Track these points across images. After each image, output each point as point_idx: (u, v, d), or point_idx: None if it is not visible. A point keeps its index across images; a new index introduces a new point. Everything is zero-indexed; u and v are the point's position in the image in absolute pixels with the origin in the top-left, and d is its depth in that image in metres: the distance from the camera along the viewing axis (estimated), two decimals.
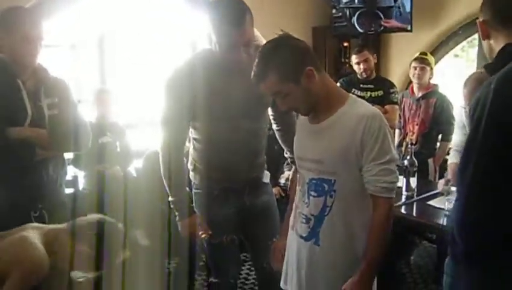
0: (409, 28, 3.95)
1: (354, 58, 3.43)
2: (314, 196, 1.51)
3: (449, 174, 2.76)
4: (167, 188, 1.93)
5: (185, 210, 1.93)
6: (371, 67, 3.41)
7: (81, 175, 2.96)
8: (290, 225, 1.65)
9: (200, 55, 1.89)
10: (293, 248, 1.62)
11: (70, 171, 2.78)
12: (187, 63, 1.85)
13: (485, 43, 1.38)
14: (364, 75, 3.39)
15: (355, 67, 3.38)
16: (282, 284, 1.70)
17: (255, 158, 2.00)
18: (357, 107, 1.48)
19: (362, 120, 1.43)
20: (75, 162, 2.92)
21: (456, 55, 5.31)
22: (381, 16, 4.03)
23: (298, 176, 1.64)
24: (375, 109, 1.51)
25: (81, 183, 2.99)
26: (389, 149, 1.44)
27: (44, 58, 2.07)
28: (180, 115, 1.84)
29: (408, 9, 3.94)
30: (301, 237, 1.56)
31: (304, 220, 1.54)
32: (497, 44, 1.32)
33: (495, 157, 1.15)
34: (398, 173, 1.49)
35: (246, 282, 3.12)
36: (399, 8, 4.00)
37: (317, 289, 1.56)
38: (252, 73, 1.46)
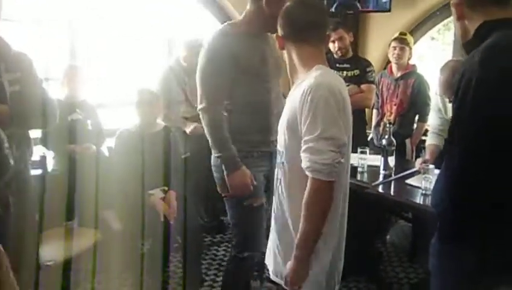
0: (387, 7, 3.90)
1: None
2: (275, 168, 1.59)
3: (427, 154, 2.76)
4: (215, 145, 1.99)
5: (238, 160, 1.98)
6: (346, 46, 3.34)
7: (50, 155, 2.83)
8: None
9: (228, 26, 2.02)
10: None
11: (39, 151, 2.66)
12: (222, 34, 1.97)
13: (458, 24, 1.38)
14: (339, 54, 3.33)
15: (330, 45, 3.32)
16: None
17: (277, 121, 2.01)
18: (313, 75, 1.43)
19: (304, 90, 1.40)
20: (44, 141, 2.78)
21: (433, 38, 5.32)
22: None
23: None
24: (324, 79, 1.42)
25: (51, 164, 2.86)
26: (321, 124, 1.36)
27: (7, 33, 1.96)
28: (222, 83, 1.96)
29: None
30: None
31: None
32: (472, 24, 1.33)
33: (482, 130, 1.17)
34: (333, 152, 1.35)
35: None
36: None
37: (277, 258, 1.60)
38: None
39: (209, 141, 2.02)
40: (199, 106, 2.01)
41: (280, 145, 1.53)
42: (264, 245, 1.85)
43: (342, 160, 1.39)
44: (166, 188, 2.66)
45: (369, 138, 3.59)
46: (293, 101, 1.46)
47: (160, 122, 2.87)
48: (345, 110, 1.48)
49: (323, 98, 1.37)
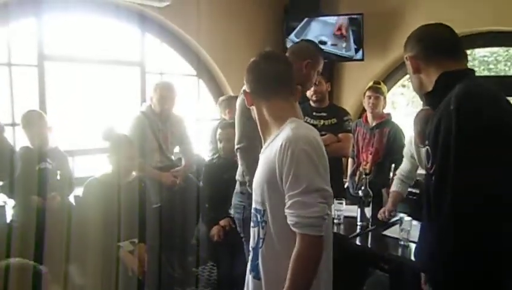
0: (360, 57, 4.00)
1: None
2: (252, 227, 1.48)
3: (389, 203, 2.75)
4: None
5: None
6: (323, 91, 3.32)
7: (10, 205, 2.67)
8: None
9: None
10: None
11: None
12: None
13: (414, 77, 1.45)
14: (315, 98, 3.31)
15: (309, 93, 3.33)
16: None
17: None
18: (288, 129, 1.38)
19: (282, 144, 1.33)
20: (6, 189, 2.64)
21: (404, 85, 5.47)
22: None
23: None
24: (300, 132, 1.37)
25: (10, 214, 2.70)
26: (306, 178, 1.30)
27: None
28: None
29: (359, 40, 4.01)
30: (249, 270, 1.51)
31: (249, 253, 1.52)
32: (428, 76, 1.40)
33: (472, 179, 1.16)
34: (322, 204, 1.31)
35: None
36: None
37: None
38: None
39: (247, 176, 2.15)
40: (239, 145, 2.20)
41: (258, 204, 1.45)
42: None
43: (329, 211, 1.35)
44: (135, 240, 2.52)
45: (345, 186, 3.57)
46: (269, 156, 1.40)
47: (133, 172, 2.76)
48: (325, 161, 1.42)
49: (303, 151, 1.32)
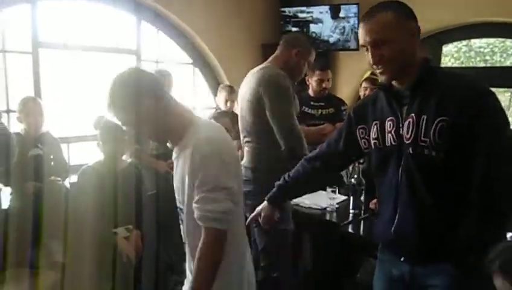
0: (356, 46, 4.01)
1: (317, 75, 3.33)
2: (180, 224, 1.56)
3: None
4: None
5: None
6: (329, 87, 3.39)
7: (6, 191, 2.69)
8: None
9: (276, 68, 2.36)
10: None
11: None
12: (284, 76, 2.30)
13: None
14: (322, 93, 3.34)
15: (315, 83, 3.32)
16: None
17: None
18: (194, 133, 1.43)
19: (192, 149, 1.38)
20: (3, 177, 2.64)
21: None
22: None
23: None
24: (202, 136, 1.41)
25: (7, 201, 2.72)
26: (215, 177, 1.36)
27: None
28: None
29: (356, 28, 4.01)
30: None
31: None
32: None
33: None
34: (226, 201, 1.37)
35: None
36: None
37: None
38: None
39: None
40: (289, 145, 2.25)
41: (179, 202, 1.52)
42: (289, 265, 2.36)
43: (234, 208, 1.41)
44: (130, 227, 2.54)
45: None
46: (182, 163, 1.43)
47: (126, 158, 2.77)
48: (233, 156, 1.47)
49: (210, 153, 1.37)
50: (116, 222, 2.47)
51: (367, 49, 1.44)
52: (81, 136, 3.60)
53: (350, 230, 2.51)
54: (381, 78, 1.47)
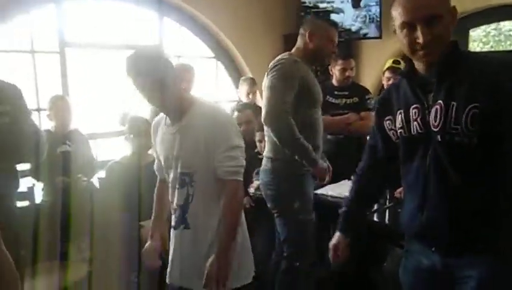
0: (378, 34, 3.96)
1: (340, 64, 3.29)
2: (178, 188, 1.74)
3: None
4: (294, 147, 2.24)
5: (314, 155, 2.28)
6: (353, 76, 3.37)
7: (38, 187, 2.79)
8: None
9: (292, 55, 2.36)
10: (172, 240, 1.83)
11: (27, 183, 2.62)
12: (293, 62, 2.28)
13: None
14: (346, 82, 3.33)
15: (338, 73, 3.30)
16: (167, 280, 1.85)
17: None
18: (202, 109, 1.70)
19: (206, 120, 1.66)
20: (33, 173, 2.75)
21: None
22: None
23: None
24: (211, 109, 1.72)
25: (40, 195, 2.82)
26: (232, 138, 1.67)
27: None
28: (290, 102, 2.22)
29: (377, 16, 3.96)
30: (174, 227, 1.80)
31: (174, 211, 1.79)
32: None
33: None
34: (242, 158, 1.69)
35: None
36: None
37: (189, 267, 1.76)
38: None
39: (286, 148, 2.26)
40: (266, 119, 2.24)
41: (186, 168, 1.71)
42: (313, 256, 2.38)
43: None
44: None
45: None
46: (192, 131, 1.68)
47: (152, 152, 2.83)
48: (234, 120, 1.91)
49: (224, 118, 1.71)
50: (141, 215, 2.53)
51: (410, 28, 1.31)
52: (108, 133, 3.69)
53: (375, 219, 2.50)
54: (424, 61, 1.35)
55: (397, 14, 1.35)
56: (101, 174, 2.97)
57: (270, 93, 2.24)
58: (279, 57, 2.40)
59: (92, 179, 3.01)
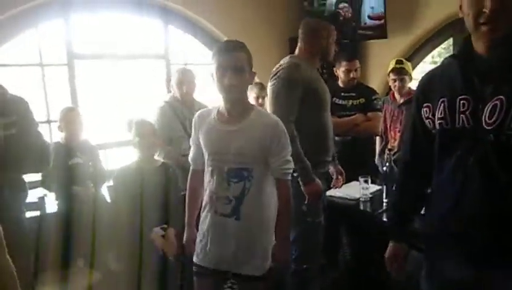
0: (384, 34, 3.94)
1: (344, 65, 3.33)
2: (235, 182, 1.86)
3: None
4: (296, 160, 2.20)
5: (311, 173, 2.32)
6: (358, 77, 3.36)
7: (50, 197, 2.82)
8: (205, 209, 1.97)
9: (294, 58, 2.43)
10: (212, 226, 1.93)
11: (38, 193, 2.66)
12: (295, 66, 2.35)
13: None
14: (351, 84, 3.32)
15: (343, 74, 3.31)
16: (198, 261, 1.97)
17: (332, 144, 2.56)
18: (263, 116, 1.91)
19: (269, 127, 1.86)
20: (44, 183, 2.79)
21: (435, 62, 5.30)
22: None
23: (209, 169, 1.94)
24: (274, 117, 1.93)
25: (52, 206, 2.86)
26: (287, 146, 1.90)
27: (5, 77, 1.99)
28: (296, 109, 2.31)
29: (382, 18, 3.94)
30: (224, 215, 1.89)
31: (227, 201, 1.88)
32: None
33: None
34: (291, 162, 1.92)
35: None
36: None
37: (237, 253, 1.89)
38: None
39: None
40: None
41: (246, 164, 1.86)
42: (321, 258, 2.44)
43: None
44: (166, 226, 2.61)
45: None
46: (256, 132, 1.85)
47: (159, 158, 2.84)
48: None
49: (282, 128, 1.89)
50: (151, 220, 2.54)
51: None
52: (117, 142, 3.72)
53: (384, 219, 2.48)
54: (488, 37, 1.21)
55: None
56: (110, 183, 3.00)
57: (276, 102, 2.29)
58: (282, 61, 2.41)
59: (101, 188, 3.04)
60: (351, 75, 3.28)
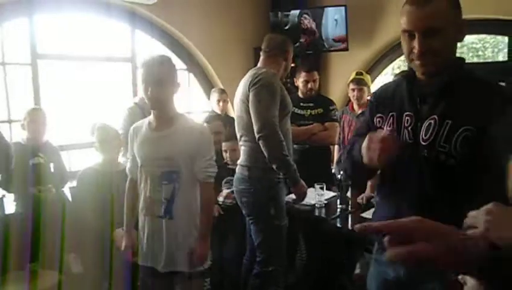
0: (345, 47, 4.11)
1: (303, 76, 3.44)
2: (166, 184, 2.04)
3: (368, 189, 2.79)
4: (281, 164, 2.40)
5: (297, 175, 2.47)
6: (317, 88, 3.48)
7: (10, 198, 2.80)
8: (141, 213, 2.13)
9: (270, 72, 2.51)
10: (149, 228, 2.09)
11: None
12: (272, 75, 2.48)
13: None
14: (309, 94, 3.44)
15: (301, 84, 3.43)
16: (141, 262, 2.14)
17: None
18: (189, 122, 2.11)
19: (195, 132, 2.06)
20: (4, 184, 2.77)
21: (395, 73, 5.55)
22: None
23: (142, 176, 2.10)
24: (198, 123, 2.20)
25: (12, 206, 2.84)
26: (212, 150, 2.11)
27: None
28: (276, 113, 2.42)
29: (344, 31, 4.11)
30: (159, 216, 2.05)
31: (159, 203, 2.04)
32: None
33: None
34: (216, 165, 2.12)
35: None
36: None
37: (171, 251, 2.05)
38: None
39: (274, 163, 2.39)
40: (260, 134, 2.36)
41: (172, 167, 2.03)
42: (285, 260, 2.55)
43: None
44: None
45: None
46: (187, 136, 2.05)
47: (123, 159, 2.88)
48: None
49: (206, 132, 2.14)
50: (114, 220, 2.58)
51: (409, 36, 1.31)
52: (80, 144, 3.71)
53: (338, 225, 2.61)
54: (420, 71, 1.35)
55: (401, 21, 1.34)
56: (73, 184, 3.01)
57: (261, 107, 2.37)
58: (254, 71, 2.51)
59: (63, 189, 3.04)
60: (309, 86, 3.40)
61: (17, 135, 3.15)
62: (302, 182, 2.50)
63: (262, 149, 2.37)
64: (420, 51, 1.28)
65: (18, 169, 2.68)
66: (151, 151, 2.07)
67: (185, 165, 2.04)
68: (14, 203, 2.88)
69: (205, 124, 3.31)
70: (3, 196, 2.65)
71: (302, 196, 2.55)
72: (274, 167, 2.40)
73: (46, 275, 2.64)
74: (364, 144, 1.33)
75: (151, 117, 2.12)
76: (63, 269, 2.68)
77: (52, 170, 3.00)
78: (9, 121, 3.40)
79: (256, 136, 2.37)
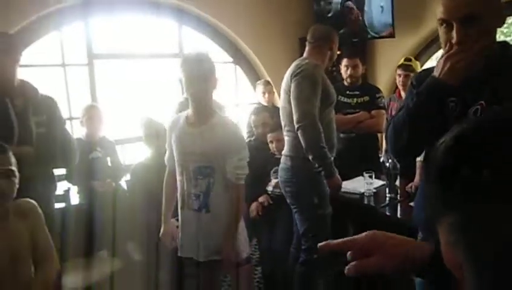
0: (391, 32, 4.03)
1: (344, 62, 3.45)
2: (201, 179, 2.11)
3: (417, 177, 2.72)
4: (318, 155, 2.43)
5: (334, 167, 2.48)
6: (358, 76, 3.44)
7: (74, 190, 3.02)
8: (179, 206, 2.22)
9: (311, 60, 2.55)
10: (188, 221, 2.18)
11: (63, 186, 2.85)
12: (315, 66, 2.49)
13: None
14: (349, 81, 3.42)
15: (343, 71, 3.43)
16: (180, 253, 2.24)
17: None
18: (224, 119, 2.17)
19: (228, 130, 2.11)
20: (68, 177, 2.98)
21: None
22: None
23: (178, 169, 2.18)
24: (235, 122, 2.25)
25: (76, 198, 3.06)
26: (244, 151, 2.12)
27: (34, 77, 2.16)
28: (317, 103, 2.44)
29: (390, 18, 4.03)
30: (195, 209, 2.13)
31: (194, 197, 2.12)
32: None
33: None
34: (247, 168, 2.14)
35: None
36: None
37: (209, 243, 2.14)
38: None
39: (311, 153, 2.42)
40: (299, 124, 2.40)
41: (206, 162, 2.10)
42: None
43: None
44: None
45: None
46: (221, 133, 2.10)
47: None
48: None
49: (239, 131, 2.23)
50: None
51: (447, 26, 1.26)
52: (134, 138, 3.90)
53: (387, 213, 2.61)
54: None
55: (438, 11, 1.30)
56: (128, 177, 3.19)
57: (301, 98, 2.41)
58: (298, 62, 2.54)
59: (120, 182, 3.22)
60: (349, 72, 3.39)
61: (77, 131, 3.37)
62: (338, 175, 2.50)
63: (300, 139, 2.41)
64: (458, 41, 1.22)
65: (80, 163, 2.88)
66: (187, 146, 2.13)
67: (217, 162, 2.09)
68: (78, 195, 3.09)
69: (252, 116, 3.39)
70: (69, 188, 2.85)
71: (336, 189, 2.55)
72: (310, 157, 2.43)
73: (105, 262, 2.82)
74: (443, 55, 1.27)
75: (189, 111, 2.17)
76: (122, 257, 2.85)
77: (109, 163, 3.18)
78: (70, 119, 3.63)
79: (296, 126, 2.42)
